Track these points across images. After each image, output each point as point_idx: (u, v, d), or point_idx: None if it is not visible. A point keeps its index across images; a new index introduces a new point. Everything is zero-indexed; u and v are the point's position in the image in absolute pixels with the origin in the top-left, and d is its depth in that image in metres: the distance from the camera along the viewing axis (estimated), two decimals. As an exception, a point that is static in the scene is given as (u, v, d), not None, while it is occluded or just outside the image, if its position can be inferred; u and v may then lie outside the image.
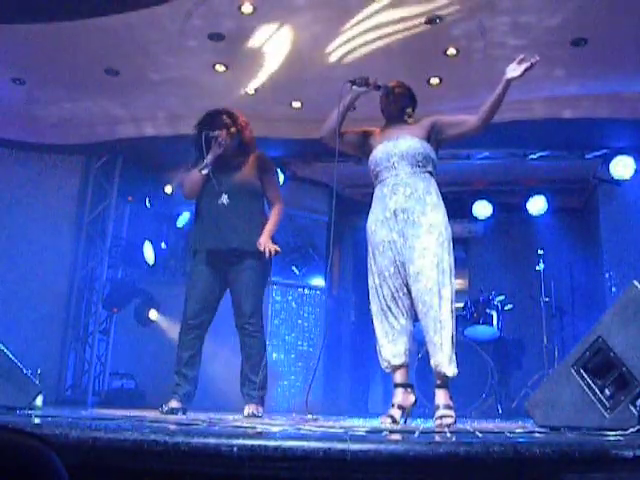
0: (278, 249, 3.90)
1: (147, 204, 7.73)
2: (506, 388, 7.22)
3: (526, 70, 3.23)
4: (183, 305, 4.01)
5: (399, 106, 3.53)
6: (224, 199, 3.93)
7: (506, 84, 3.27)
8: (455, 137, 3.49)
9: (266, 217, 4.08)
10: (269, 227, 3.98)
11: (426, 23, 5.15)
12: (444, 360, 3.11)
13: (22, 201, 7.09)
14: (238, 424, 2.56)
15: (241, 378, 3.90)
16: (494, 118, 3.37)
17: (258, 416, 3.69)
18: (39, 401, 3.51)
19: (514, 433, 2.27)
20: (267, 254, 3.86)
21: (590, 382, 2.52)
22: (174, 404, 3.82)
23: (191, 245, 4.11)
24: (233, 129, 4.03)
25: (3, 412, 3.12)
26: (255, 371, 3.84)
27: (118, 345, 7.51)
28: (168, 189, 7.69)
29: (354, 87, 3.44)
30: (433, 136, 3.44)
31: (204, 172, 3.94)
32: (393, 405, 3.28)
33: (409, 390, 3.34)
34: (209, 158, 3.93)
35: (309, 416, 3.31)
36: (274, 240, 3.97)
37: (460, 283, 8.24)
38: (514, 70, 3.25)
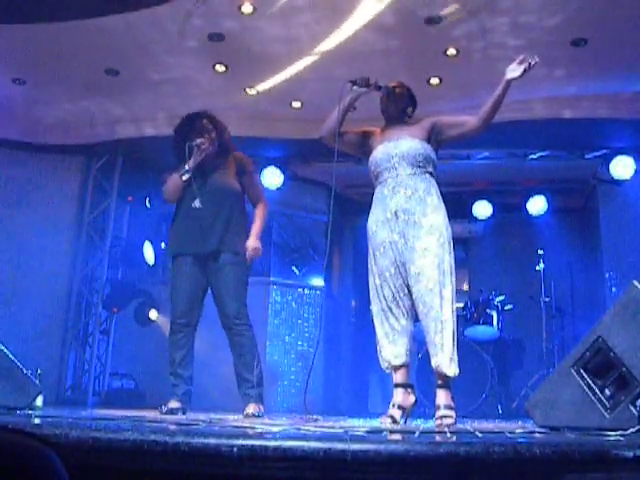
0: (259, 253, 3.96)
1: (147, 204, 7.73)
2: (506, 388, 7.22)
3: (525, 71, 3.23)
4: (170, 305, 4.03)
5: (399, 107, 3.53)
6: (197, 203, 3.95)
7: (506, 84, 3.27)
8: (455, 138, 3.49)
9: (247, 217, 4.09)
10: (256, 230, 4.01)
11: (426, 23, 5.15)
12: (445, 360, 3.11)
13: (22, 201, 7.09)
14: (238, 424, 2.56)
15: (237, 379, 3.90)
16: (494, 118, 3.37)
17: (258, 416, 3.69)
18: (39, 401, 3.51)
19: (514, 433, 2.27)
20: (248, 258, 3.91)
21: (590, 382, 2.52)
22: (174, 404, 3.83)
23: (168, 247, 4.12)
24: (213, 134, 4.06)
25: (3, 412, 3.12)
26: (249, 369, 3.84)
27: (118, 345, 7.51)
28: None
29: (354, 87, 3.44)
30: (433, 137, 3.45)
31: (184, 178, 3.97)
32: (393, 405, 3.28)
33: (409, 390, 3.34)
34: (190, 164, 3.95)
35: (308, 416, 3.30)
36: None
37: (460, 283, 8.24)
38: (514, 71, 3.25)
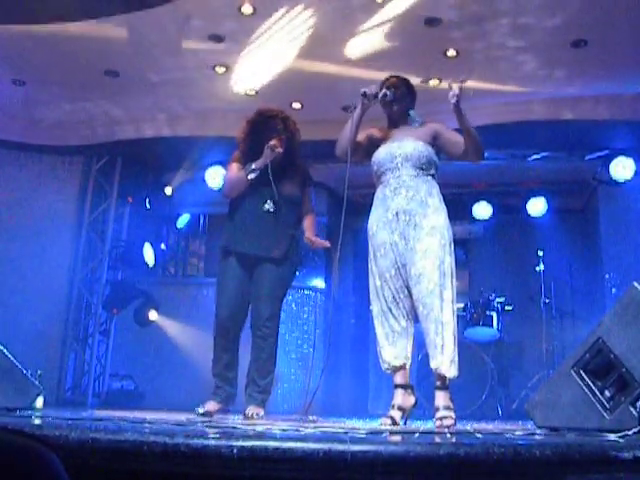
0: (327, 244, 3.98)
1: (147, 205, 7.72)
2: (506, 389, 7.21)
3: (458, 95, 3.19)
4: (215, 304, 3.95)
5: (402, 109, 3.53)
6: (270, 206, 3.90)
7: (455, 111, 3.25)
8: (450, 156, 3.49)
9: (298, 228, 4.08)
10: (313, 229, 4.03)
11: (426, 24, 5.15)
12: (445, 362, 3.11)
13: (22, 202, 7.09)
14: (238, 425, 2.56)
15: (247, 378, 3.89)
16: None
17: (258, 417, 3.68)
18: (39, 402, 3.52)
19: (514, 434, 2.27)
20: (319, 245, 3.95)
21: (590, 383, 2.52)
22: (212, 406, 3.77)
23: (223, 243, 4.04)
24: (284, 137, 3.97)
25: (3, 413, 3.12)
26: (262, 375, 3.83)
27: (118, 346, 7.50)
28: (168, 190, 7.68)
29: (365, 101, 3.41)
30: (434, 142, 3.45)
31: (251, 177, 3.89)
32: (393, 406, 3.28)
33: (409, 391, 3.34)
34: (259, 164, 3.87)
35: (310, 417, 3.30)
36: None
37: (460, 284, 8.24)
38: (451, 97, 3.21)
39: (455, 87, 3.21)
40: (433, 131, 3.46)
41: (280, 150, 3.87)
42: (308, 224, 4.06)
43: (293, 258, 3.98)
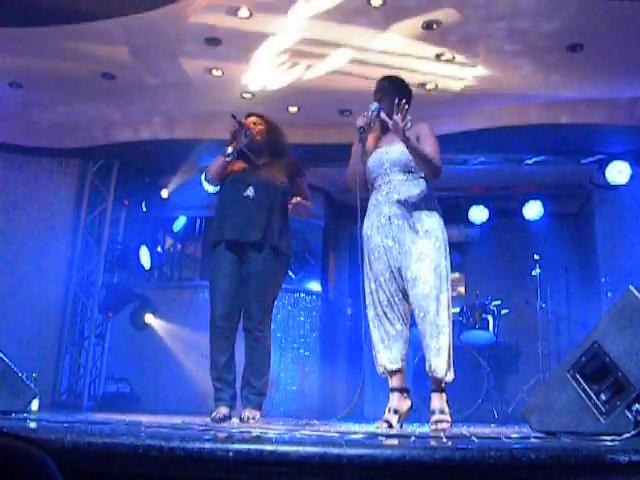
0: (297, 205, 3.84)
1: (143, 208, 7.72)
2: (502, 393, 7.21)
3: (403, 128, 3.15)
4: (209, 303, 3.89)
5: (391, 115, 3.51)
6: (251, 192, 3.89)
7: (402, 140, 3.22)
8: None
9: (284, 217, 4.02)
10: (300, 200, 3.91)
11: (423, 28, 5.16)
12: (441, 365, 3.11)
13: (18, 205, 7.08)
14: (234, 428, 2.56)
15: (242, 381, 3.86)
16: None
17: (254, 420, 3.67)
18: (34, 405, 3.51)
19: (510, 438, 2.27)
20: (291, 206, 3.84)
21: (586, 387, 2.52)
22: (224, 410, 3.72)
23: (211, 236, 4.01)
24: (261, 127, 4.04)
25: (-2, 416, 3.11)
26: (257, 376, 3.80)
27: (114, 349, 7.50)
28: (164, 193, 7.68)
29: (362, 135, 3.38)
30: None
31: (228, 159, 3.92)
32: (389, 410, 3.28)
33: (405, 395, 3.34)
34: (234, 145, 3.94)
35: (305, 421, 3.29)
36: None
37: (456, 288, 8.25)
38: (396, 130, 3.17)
39: (398, 120, 3.15)
40: (417, 133, 3.42)
41: (250, 132, 3.92)
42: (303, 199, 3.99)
43: (280, 248, 3.90)
